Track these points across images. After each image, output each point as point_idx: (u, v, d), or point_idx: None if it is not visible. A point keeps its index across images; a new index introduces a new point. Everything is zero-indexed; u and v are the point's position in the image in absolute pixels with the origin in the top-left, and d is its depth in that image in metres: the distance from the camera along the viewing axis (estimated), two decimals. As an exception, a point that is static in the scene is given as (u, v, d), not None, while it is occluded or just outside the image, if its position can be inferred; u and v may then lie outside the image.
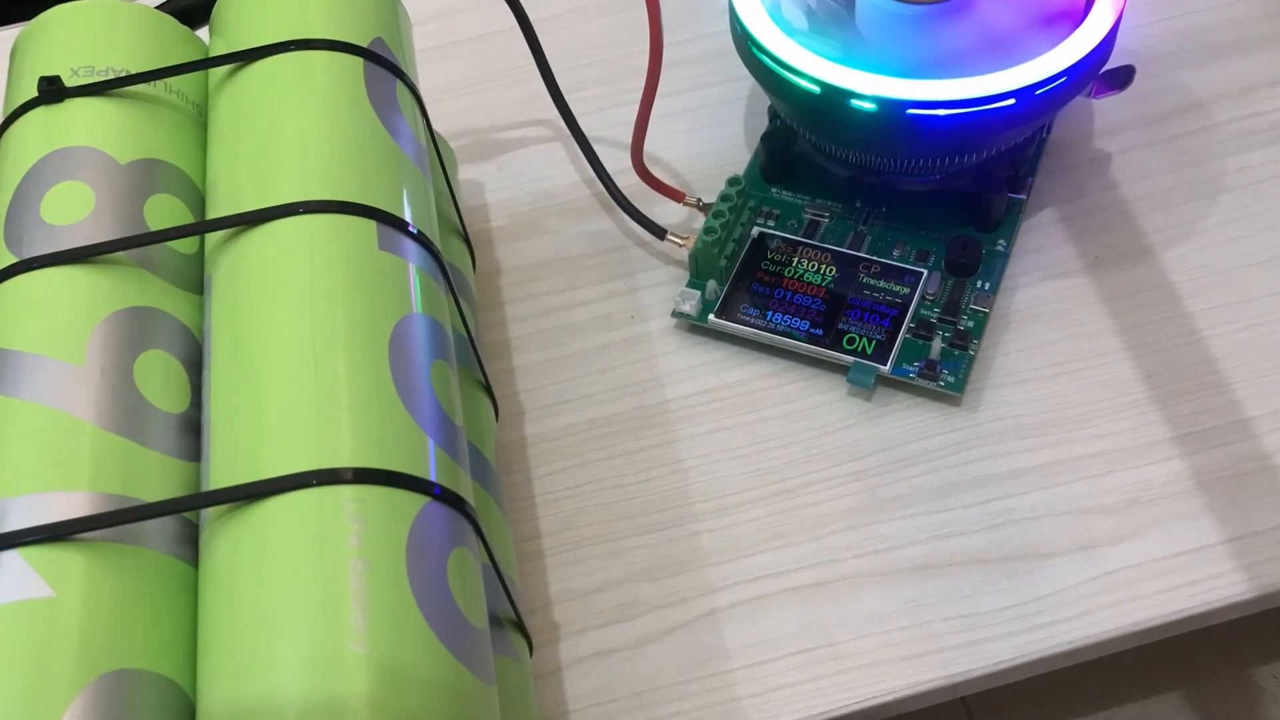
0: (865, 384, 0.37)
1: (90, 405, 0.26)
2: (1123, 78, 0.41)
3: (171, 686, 0.24)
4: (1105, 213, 0.41)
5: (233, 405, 0.26)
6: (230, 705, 0.22)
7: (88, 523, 0.24)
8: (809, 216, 0.41)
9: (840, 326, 0.38)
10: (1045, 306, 0.39)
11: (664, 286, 0.41)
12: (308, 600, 0.22)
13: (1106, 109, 0.44)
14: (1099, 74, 0.40)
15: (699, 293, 0.40)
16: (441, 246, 0.32)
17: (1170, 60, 0.45)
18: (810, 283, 0.39)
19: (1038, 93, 0.37)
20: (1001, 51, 0.37)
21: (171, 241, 0.29)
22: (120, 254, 0.28)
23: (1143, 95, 0.44)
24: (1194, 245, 0.40)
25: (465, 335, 0.34)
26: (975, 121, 0.37)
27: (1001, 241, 0.40)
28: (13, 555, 0.23)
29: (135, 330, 0.27)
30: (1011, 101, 0.36)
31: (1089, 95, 0.41)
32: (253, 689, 0.22)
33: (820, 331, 0.38)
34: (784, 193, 0.42)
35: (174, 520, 0.26)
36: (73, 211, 0.29)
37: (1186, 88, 0.44)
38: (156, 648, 0.24)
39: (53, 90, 0.31)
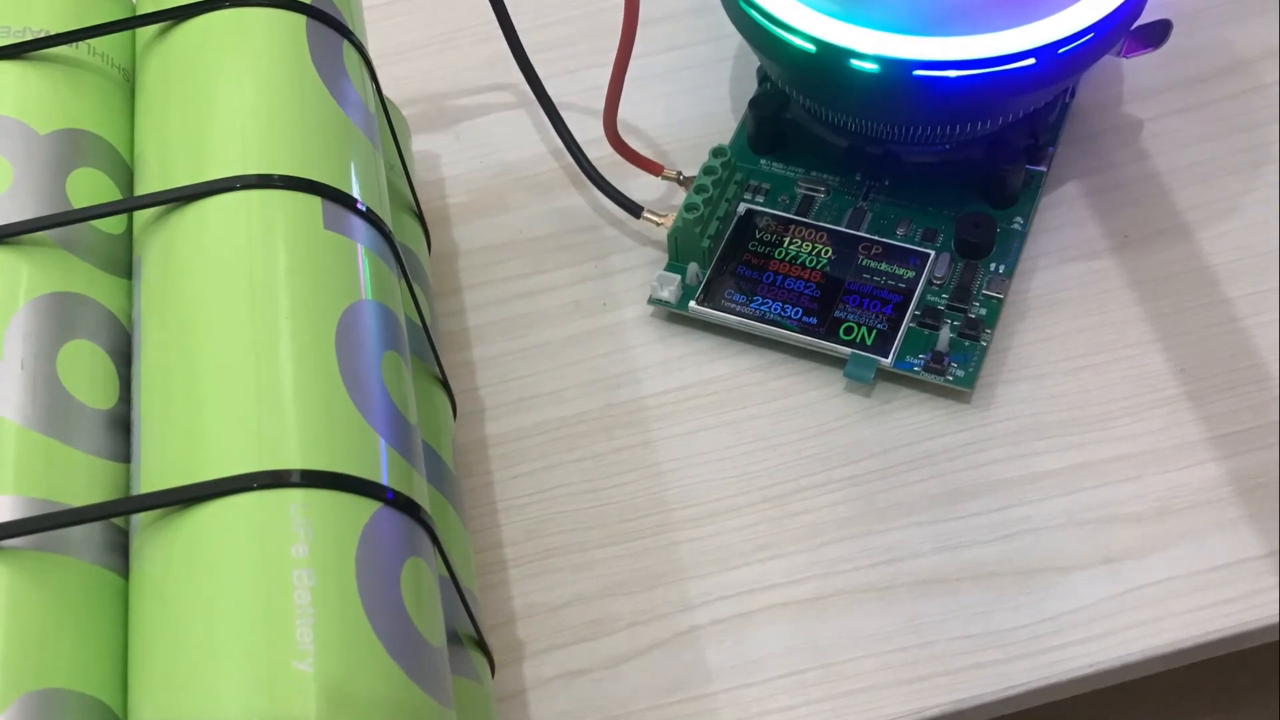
0: (864, 378, 0.38)
1: (9, 401, 0.27)
2: (1157, 34, 0.42)
3: (100, 708, 0.24)
4: (1135, 187, 0.42)
5: (165, 401, 0.27)
6: (165, 728, 0.23)
7: (7, 529, 0.25)
8: (802, 191, 0.42)
9: (837, 314, 0.39)
10: (1067, 292, 0.40)
11: (640, 270, 0.42)
12: (249, 614, 0.23)
13: (1138, 69, 0.45)
14: (1130, 30, 0.41)
15: (679, 277, 0.40)
16: (393, 226, 0.33)
17: (1211, 14, 0.46)
18: (803, 265, 0.40)
19: (1060, 51, 0.38)
20: (1020, 4, 0.38)
21: (97, 220, 0.30)
22: (41, 234, 0.29)
23: (1180, 54, 0.45)
24: (1235, 223, 0.41)
25: (420, 324, 0.35)
26: (990, 84, 0.38)
27: (1018, 219, 0.41)
28: (-74, 565, 0.24)
29: (58, 318, 0.28)
30: (1031, 61, 0.37)
31: (1119, 54, 0.42)
32: (189, 711, 0.23)
33: (814, 320, 0.39)
34: (774, 165, 0.43)
35: (102, 527, 0.27)
36: (-13, 188, 0.30)
37: (1229, 45, 0.45)
38: (84, 666, 0.25)
39: (-37, 53, 0.31)
